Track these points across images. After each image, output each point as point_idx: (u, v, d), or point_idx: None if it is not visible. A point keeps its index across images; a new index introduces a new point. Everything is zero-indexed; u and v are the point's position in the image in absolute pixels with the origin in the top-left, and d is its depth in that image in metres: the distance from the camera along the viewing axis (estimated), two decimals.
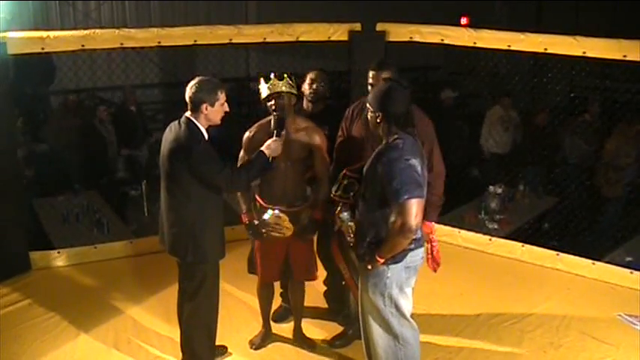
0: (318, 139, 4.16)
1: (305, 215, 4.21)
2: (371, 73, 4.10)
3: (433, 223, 4.18)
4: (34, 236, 5.96)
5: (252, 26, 6.42)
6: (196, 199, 3.80)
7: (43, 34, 5.42)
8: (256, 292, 4.48)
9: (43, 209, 6.81)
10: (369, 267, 3.42)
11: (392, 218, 3.25)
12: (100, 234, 6.26)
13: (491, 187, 6.96)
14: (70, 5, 10.16)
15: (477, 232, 6.34)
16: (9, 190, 5.44)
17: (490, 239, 6.19)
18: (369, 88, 4.08)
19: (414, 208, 3.20)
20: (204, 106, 3.75)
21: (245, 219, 4.23)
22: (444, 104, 8.87)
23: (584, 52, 5.27)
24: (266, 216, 4.14)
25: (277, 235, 4.16)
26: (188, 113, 3.81)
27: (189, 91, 3.78)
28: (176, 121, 3.84)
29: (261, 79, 4.05)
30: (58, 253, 5.80)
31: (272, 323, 4.66)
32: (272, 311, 4.71)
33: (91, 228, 6.38)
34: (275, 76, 4.00)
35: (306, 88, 4.63)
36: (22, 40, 5.35)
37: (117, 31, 5.65)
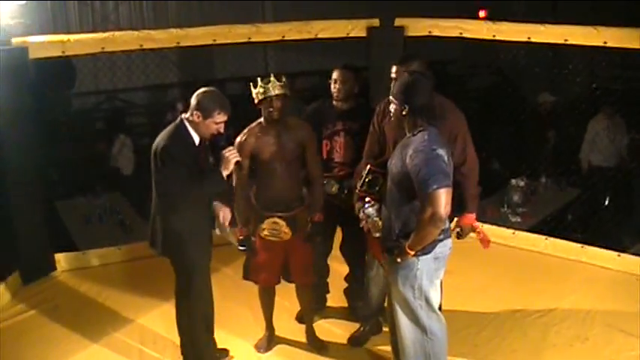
0: (307, 136, 4.15)
1: (305, 220, 4.19)
2: (394, 68, 4.03)
3: (474, 214, 4.16)
4: (58, 238, 6.00)
5: (270, 24, 6.43)
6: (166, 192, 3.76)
7: (64, 37, 5.48)
8: (258, 297, 4.46)
9: (66, 211, 6.86)
10: (399, 260, 3.42)
11: (421, 209, 3.25)
12: (123, 235, 6.30)
13: (513, 180, 6.92)
14: (88, 6, 10.23)
15: (499, 225, 6.30)
16: (34, 192, 5.49)
17: (513, 232, 6.15)
18: (393, 82, 4.02)
19: (444, 197, 3.19)
20: (196, 113, 3.71)
21: (239, 233, 4.21)
22: (540, 108, 8.24)
23: (605, 42, 5.22)
24: (263, 223, 4.14)
25: (276, 239, 4.15)
26: (184, 114, 3.79)
27: (195, 93, 3.75)
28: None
29: (252, 84, 4.02)
30: (83, 254, 5.85)
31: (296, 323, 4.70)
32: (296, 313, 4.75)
33: (114, 229, 6.42)
34: (266, 79, 3.96)
35: (332, 87, 4.57)
36: (42, 44, 5.41)
37: (136, 32, 5.70)
